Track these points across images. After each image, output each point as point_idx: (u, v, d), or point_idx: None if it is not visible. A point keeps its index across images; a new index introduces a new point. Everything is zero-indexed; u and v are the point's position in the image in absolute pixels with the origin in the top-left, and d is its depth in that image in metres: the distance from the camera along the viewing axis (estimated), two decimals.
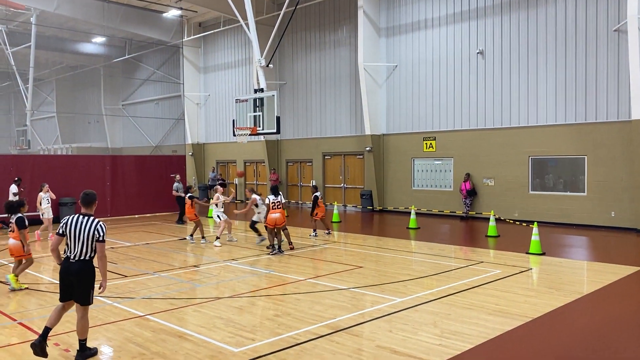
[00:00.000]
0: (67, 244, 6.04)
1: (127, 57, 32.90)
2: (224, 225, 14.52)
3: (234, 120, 17.12)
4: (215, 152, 30.36)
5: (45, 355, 5.86)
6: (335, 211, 19.31)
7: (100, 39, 33.54)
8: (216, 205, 14.68)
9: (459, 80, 19.63)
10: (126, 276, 10.47)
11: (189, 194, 15.51)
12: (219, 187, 15.05)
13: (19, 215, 9.40)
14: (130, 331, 7.02)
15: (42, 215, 15.51)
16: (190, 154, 30.18)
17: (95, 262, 6.08)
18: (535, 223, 12.98)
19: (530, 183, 17.96)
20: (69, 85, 39.83)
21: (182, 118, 31.15)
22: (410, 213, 17.68)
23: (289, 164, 26.46)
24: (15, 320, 7.60)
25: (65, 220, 6.08)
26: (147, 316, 7.68)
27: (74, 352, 6.26)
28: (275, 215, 12.66)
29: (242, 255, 12.71)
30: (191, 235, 14.82)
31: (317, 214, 15.68)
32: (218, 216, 14.62)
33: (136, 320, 7.53)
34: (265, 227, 13.07)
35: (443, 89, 20.08)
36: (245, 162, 28.79)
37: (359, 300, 8.60)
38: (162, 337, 6.77)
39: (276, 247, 12.75)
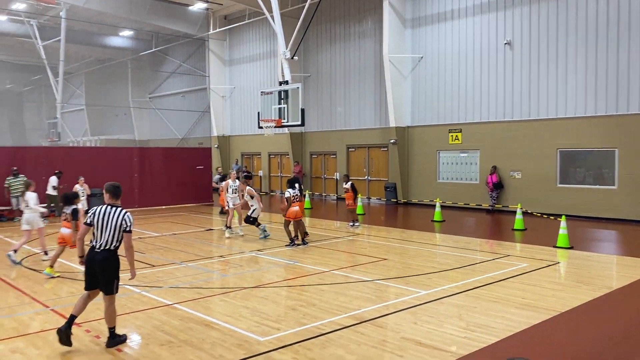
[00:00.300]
0: (93, 234, 6.15)
1: (153, 50, 33.30)
2: (232, 215, 14.65)
3: (259, 113, 17.21)
4: (240, 145, 30.59)
5: (69, 343, 5.97)
6: (359, 203, 19.27)
7: (127, 33, 34.00)
8: (231, 196, 14.75)
9: (485, 71, 19.36)
10: (154, 266, 10.66)
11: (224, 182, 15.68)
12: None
13: (74, 206, 9.86)
14: (158, 319, 7.16)
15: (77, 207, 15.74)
16: (216, 146, 30.46)
17: (121, 252, 6.19)
18: (563, 216, 12.77)
19: (559, 176, 17.65)
20: (98, 78, 40.53)
21: (208, 111, 31.45)
22: (435, 206, 17.56)
23: (312, 156, 26.51)
24: (48, 307, 7.82)
25: (94, 210, 6.19)
26: (175, 305, 7.82)
27: (104, 339, 6.43)
28: (295, 208, 12.66)
29: (267, 246, 12.81)
30: (227, 225, 14.99)
31: (349, 204, 15.72)
32: (232, 204, 14.68)
33: (164, 308, 7.68)
34: (286, 220, 12.97)
35: (470, 81, 19.84)
36: (269, 155, 28.94)
37: (384, 292, 8.60)
38: (189, 326, 6.89)
39: (295, 240, 12.77)
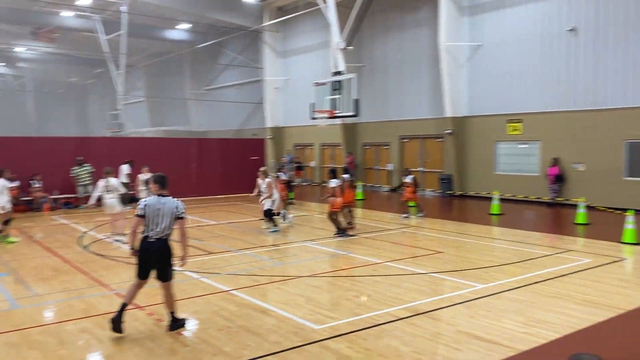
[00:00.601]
0: (146, 225, 6.22)
1: (209, 42, 33.99)
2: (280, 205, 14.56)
3: (312, 104, 17.26)
4: (293, 136, 30.82)
5: (121, 331, 6.09)
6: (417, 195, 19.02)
7: (185, 26, 34.85)
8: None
9: (548, 59, 18.60)
10: (211, 253, 10.94)
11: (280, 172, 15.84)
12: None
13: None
14: (216, 305, 7.36)
15: (141, 196, 16.10)
16: (270, 137, 30.81)
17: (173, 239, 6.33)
18: (631, 211, 12.15)
19: (626, 168, 16.80)
20: (157, 71, 41.84)
21: (262, 102, 31.87)
22: (492, 198, 17.12)
23: (365, 147, 26.38)
24: (113, 290, 8.18)
25: (145, 202, 6.27)
26: (232, 291, 8.01)
27: (166, 322, 6.67)
28: (339, 199, 12.61)
29: (320, 236, 12.88)
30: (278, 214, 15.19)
31: (408, 197, 15.61)
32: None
33: (222, 294, 7.88)
34: (333, 212, 12.76)
35: (530, 69, 19.12)
36: (321, 146, 29.02)
37: (439, 285, 8.49)
38: (246, 312, 7.04)
39: (346, 229, 12.72)
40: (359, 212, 17.80)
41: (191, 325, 6.57)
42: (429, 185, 23.10)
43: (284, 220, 14.42)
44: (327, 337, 6.12)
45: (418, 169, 23.35)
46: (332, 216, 12.83)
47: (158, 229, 6.17)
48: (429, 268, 9.45)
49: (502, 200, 17.62)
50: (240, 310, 7.12)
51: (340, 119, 22.77)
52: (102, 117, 44.06)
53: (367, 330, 6.36)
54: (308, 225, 14.81)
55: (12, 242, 12.12)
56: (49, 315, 7.13)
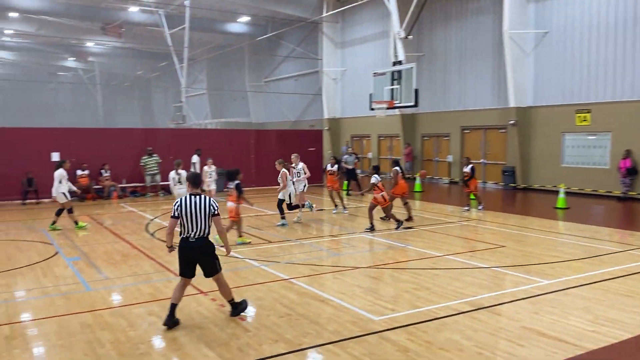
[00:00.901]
0: (182, 225, 6.22)
1: (269, 35, 34.36)
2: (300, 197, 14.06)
3: (371, 94, 17.15)
4: (350, 127, 30.74)
5: (177, 324, 6.19)
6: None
7: (245, 19, 35.38)
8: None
9: (619, 45, 17.61)
10: (271, 242, 11.13)
11: (337, 165, 15.71)
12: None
13: (237, 181, 10.74)
14: (276, 292, 7.48)
15: (205, 188, 16.07)
16: (327, 128, 30.88)
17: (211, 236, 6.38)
18: None
19: None
20: (217, 63, 42.78)
21: (320, 93, 31.96)
22: (558, 192, 16.45)
23: (424, 138, 25.97)
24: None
25: (178, 203, 6.23)
26: (292, 280, 8.12)
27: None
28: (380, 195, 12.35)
29: (378, 228, 12.81)
30: (342, 206, 15.22)
31: (469, 186, 15.27)
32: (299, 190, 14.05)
33: (281, 283, 8.00)
34: (373, 205, 12.37)
35: (601, 56, 18.18)
36: (379, 137, 28.81)
37: (501, 280, 8.28)
38: (305, 300, 7.12)
39: (400, 221, 12.52)
40: (417, 204, 17.62)
41: (254, 312, 6.71)
42: (490, 178, 22.49)
43: (312, 210, 13.95)
44: (386, 328, 6.10)
45: (480, 160, 22.77)
46: (385, 210, 12.58)
47: (196, 229, 6.18)
48: (490, 262, 9.22)
49: (569, 193, 16.92)
50: (300, 298, 7.21)
51: (399, 110, 22.57)
52: (166, 109, 45.57)
53: (427, 323, 6.29)
54: (365, 216, 14.74)
55: (82, 227, 12.73)
56: (118, 298, 7.48)
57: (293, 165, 13.84)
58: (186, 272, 6.39)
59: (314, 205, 13.96)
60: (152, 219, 14.31)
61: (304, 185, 13.78)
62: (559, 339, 5.76)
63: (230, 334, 5.98)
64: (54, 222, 12.68)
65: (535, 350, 5.50)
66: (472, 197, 15.68)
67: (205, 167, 16.31)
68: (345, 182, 20.14)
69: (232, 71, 41.87)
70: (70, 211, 12.70)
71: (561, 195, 16.06)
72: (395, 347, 5.58)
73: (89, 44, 44.08)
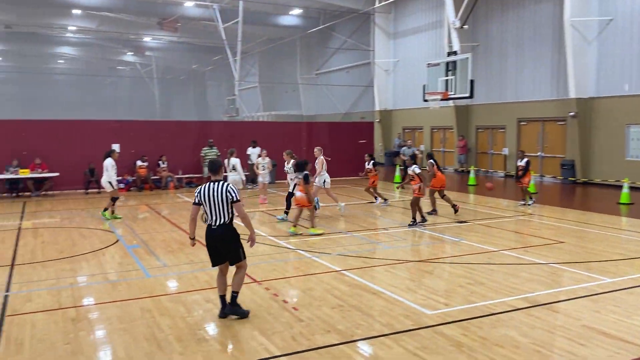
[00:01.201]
0: (205, 212, 6.19)
1: (321, 27, 34.36)
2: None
3: (424, 86, 16.88)
4: (402, 119, 30.39)
5: (246, 313, 6.22)
6: (531, 182, 18.01)
7: (297, 11, 35.53)
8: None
9: None
10: (321, 233, 11.17)
11: (373, 161, 15.43)
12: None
13: (305, 172, 11.03)
14: (328, 284, 7.53)
15: (259, 179, 16.03)
16: (378, 120, 30.65)
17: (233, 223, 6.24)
18: None
19: None
20: (269, 57, 43.20)
21: (371, 85, 31.73)
22: (621, 186, 15.71)
23: (479, 130, 25.34)
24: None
25: (199, 190, 6.21)
26: (343, 272, 8.14)
27: (281, 297, 6.95)
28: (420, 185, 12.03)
29: (431, 221, 12.63)
30: (385, 199, 15.15)
31: (523, 181, 14.78)
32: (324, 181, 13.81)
33: (333, 274, 8.04)
34: (416, 198, 11.98)
35: None
36: (432, 129, 28.34)
37: (560, 277, 8.00)
38: (357, 292, 7.13)
39: (419, 220, 12.05)
40: (470, 197, 17.28)
41: (305, 302, 6.77)
42: (548, 172, 21.73)
43: (341, 211, 13.69)
44: (440, 322, 6.03)
45: (537, 153, 22.04)
46: (417, 202, 12.03)
47: (216, 216, 6.11)
48: (548, 258, 8.93)
49: (633, 188, 16.14)
50: (352, 290, 7.22)
51: (453, 101, 22.13)
52: (220, 102, 46.50)
53: (481, 318, 6.17)
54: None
55: (115, 218, 13.05)
56: (176, 284, 7.73)
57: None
58: (215, 261, 6.31)
59: (342, 205, 13.80)
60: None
61: (324, 181, 13.59)
62: (622, 339, 5.53)
63: (283, 323, 6.06)
64: (112, 212, 13.16)
65: (597, 350, 5.30)
66: (531, 189, 15.21)
67: (259, 159, 16.25)
68: (397, 175, 20.00)
69: (283, 64, 42.19)
70: (114, 200, 13.12)
71: (625, 190, 15.33)
72: (449, 341, 5.51)
73: (147, 39, 45.49)
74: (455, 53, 15.83)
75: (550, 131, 21.71)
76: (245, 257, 6.33)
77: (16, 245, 10.25)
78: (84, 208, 15.06)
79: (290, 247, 9.92)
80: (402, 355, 5.20)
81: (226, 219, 6.14)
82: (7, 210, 14.86)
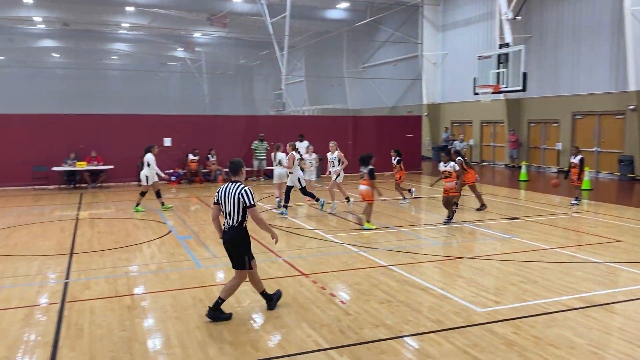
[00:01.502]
0: (223, 213, 6.09)
1: (368, 20, 34.11)
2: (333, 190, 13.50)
3: (475, 79, 16.52)
4: (450, 112, 29.84)
5: (228, 316, 6.04)
6: (586, 178, 17.34)
7: (344, 5, 35.38)
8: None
9: None
10: (375, 228, 11.12)
11: (398, 158, 15.12)
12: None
13: (371, 167, 10.95)
14: (376, 278, 7.50)
15: (305, 176, 16.14)
16: (426, 114, 30.21)
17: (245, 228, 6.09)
18: None
19: None
20: (316, 51, 43.26)
21: (419, 78, 31.28)
22: None
23: (531, 124, 24.59)
24: (280, 257, 8.76)
25: (218, 190, 6.12)
26: (390, 267, 8.09)
27: (329, 290, 6.98)
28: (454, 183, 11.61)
29: (479, 217, 12.39)
30: (405, 197, 14.88)
31: (575, 180, 14.16)
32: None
33: (380, 269, 8.00)
34: (450, 197, 11.51)
35: None
36: (481, 123, 27.71)
37: (618, 277, 7.70)
38: (405, 288, 7.07)
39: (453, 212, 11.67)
40: (522, 193, 16.84)
41: (352, 296, 6.77)
42: (605, 167, 20.88)
43: (350, 206, 13.55)
44: (491, 320, 5.91)
45: (593, 148, 21.21)
46: (451, 201, 11.57)
47: (229, 218, 5.97)
48: (605, 257, 8.59)
49: None
50: (400, 286, 7.17)
51: (504, 94, 21.55)
52: (266, 97, 46.95)
53: (535, 317, 6.01)
54: (467, 205, 14.32)
55: (139, 211, 13.33)
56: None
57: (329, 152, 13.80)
58: (232, 263, 6.16)
59: (351, 206, 13.49)
60: (317, 200, 14.61)
61: (338, 176, 13.40)
62: None
63: (331, 316, 6.08)
64: (162, 203, 13.55)
65: None
66: (586, 185, 14.64)
67: (306, 155, 15.91)
68: None
69: (329, 58, 42.15)
70: (142, 194, 13.40)
71: None
72: (500, 340, 5.39)
73: (196, 35, 46.39)
74: (507, 45, 15.40)
75: (607, 125, 20.83)
76: (250, 267, 6.09)
77: (74, 234, 10.69)
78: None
79: (337, 241, 9.93)
80: (452, 353, 5.13)
81: (235, 221, 5.95)
82: (66, 201, 15.53)
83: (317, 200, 13.21)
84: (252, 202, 5.92)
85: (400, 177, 14.89)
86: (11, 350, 5.27)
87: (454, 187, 11.40)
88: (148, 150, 13.43)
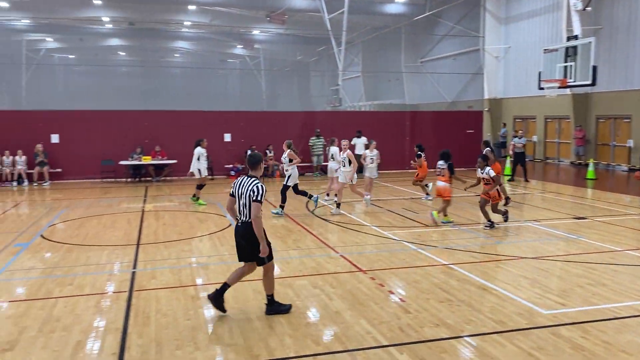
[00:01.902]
0: (237, 205, 6.01)
1: (427, 14, 33.52)
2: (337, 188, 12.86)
3: (540, 73, 15.91)
4: (512, 108, 28.89)
5: (223, 309, 6.06)
6: None
7: None
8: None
9: None
10: (427, 226, 10.98)
11: (418, 153, 14.63)
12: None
13: (450, 162, 10.88)
14: (435, 277, 7.39)
15: (365, 174, 14.85)
16: (487, 109, 29.38)
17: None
18: None
19: None
20: (373, 46, 42.95)
21: (480, 72, 30.46)
22: None
23: (599, 120, 23.44)
24: (337, 252, 8.79)
25: (234, 182, 6.10)
26: (451, 265, 7.95)
27: (387, 287, 6.94)
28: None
29: (544, 216, 11.95)
30: (427, 193, 14.45)
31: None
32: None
33: (440, 267, 7.87)
34: (491, 202, 10.79)
35: None
36: (546, 118, 26.67)
37: None
38: (466, 287, 6.93)
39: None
40: (589, 192, 16.12)
41: (410, 296, 6.70)
42: None
43: (367, 205, 13.12)
44: (558, 323, 5.70)
45: None
46: (494, 207, 10.89)
47: (241, 212, 5.91)
48: None
49: None
50: (461, 285, 7.03)
51: (570, 89, 20.65)
52: (323, 92, 47.09)
53: (604, 322, 5.74)
54: (530, 204, 13.87)
55: (202, 205, 13.60)
56: (285, 269, 7.97)
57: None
58: (238, 256, 6.13)
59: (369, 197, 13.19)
60: (310, 197, 14.76)
61: (352, 180, 12.71)
62: None
63: (391, 313, 6.05)
64: (194, 196, 13.89)
65: None
66: None
67: (367, 151, 15.39)
68: (508, 167, 19.09)
69: (387, 53, 41.76)
70: (199, 187, 13.71)
71: None
72: (568, 344, 5.19)
73: (255, 32, 47.13)
74: (575, 37, 14.73)
75: None
76: (269, 261, 6.01)
77: (140, 226, 11.14)
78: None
79: (395, 238, 9.85)
80: (516, 355, 4.99)
81: (247, 217, 5.86)
82: (132, 194, 16.20)
83: (311, 197, 12.85)
84: (259, 198, 5.78)
85: (419, 174, 14.37)
86: (85, 335, 5.56)
87: (493, 195, 10.71)
88: (197, 144, 13.80)
